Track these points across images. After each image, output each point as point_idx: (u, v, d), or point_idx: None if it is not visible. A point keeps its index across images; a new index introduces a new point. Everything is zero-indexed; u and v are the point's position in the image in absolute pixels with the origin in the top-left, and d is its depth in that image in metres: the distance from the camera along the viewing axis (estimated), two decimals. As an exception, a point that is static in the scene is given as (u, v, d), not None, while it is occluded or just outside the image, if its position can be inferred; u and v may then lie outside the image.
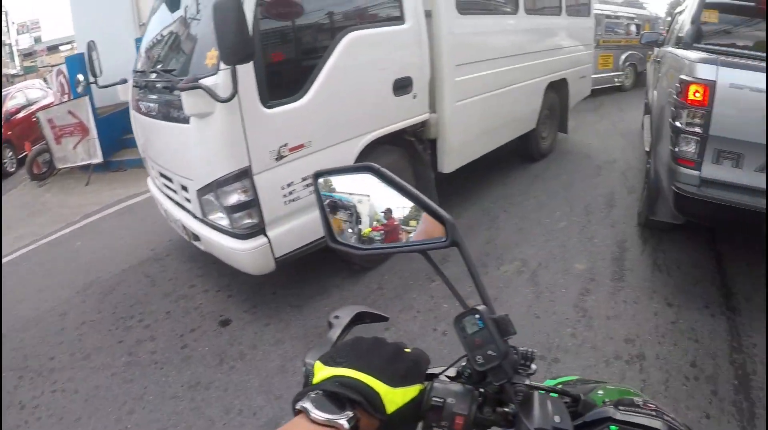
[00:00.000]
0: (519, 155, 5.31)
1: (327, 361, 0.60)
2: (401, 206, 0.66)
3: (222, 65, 2.15)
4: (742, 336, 2.75)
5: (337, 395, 0.55)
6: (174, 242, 3.82)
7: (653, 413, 0.66)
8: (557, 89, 5.20)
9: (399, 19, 3.00)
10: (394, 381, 0.58)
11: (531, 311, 2.89)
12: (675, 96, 2.84)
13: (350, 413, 0.54)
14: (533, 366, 0.66)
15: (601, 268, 3.36)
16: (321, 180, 0.72)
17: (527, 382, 0.64)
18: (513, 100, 4.21)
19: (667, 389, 2.32)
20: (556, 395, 0.67)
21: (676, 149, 2.81)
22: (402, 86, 3.03)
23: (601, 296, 3.05)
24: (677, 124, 2.79)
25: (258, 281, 3.04)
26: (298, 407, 0.55)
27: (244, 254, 2.48)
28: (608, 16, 9.35)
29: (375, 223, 0.68)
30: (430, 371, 0.66)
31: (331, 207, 0.71)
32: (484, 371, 0.60)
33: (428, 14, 3.18)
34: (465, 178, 4.32)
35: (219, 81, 2.17)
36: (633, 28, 9.98)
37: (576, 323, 2.79)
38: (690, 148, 2.76)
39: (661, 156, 3.18)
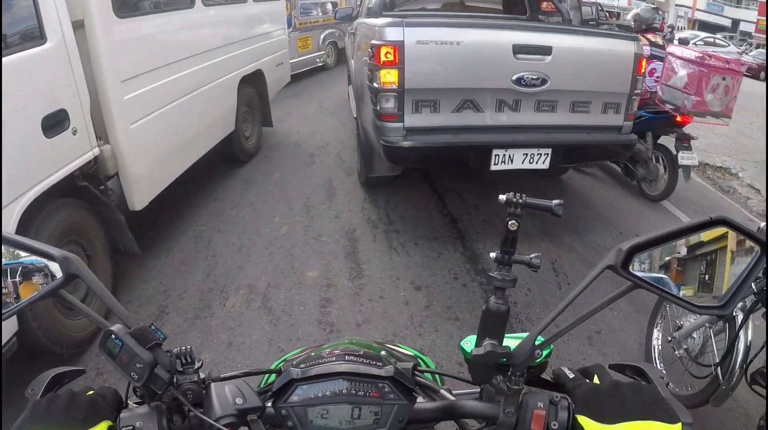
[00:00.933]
0: (225, 161, 4.79)
1: None
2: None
3: None
4: (501, 298, 2.93)
5: None
6: None
7: (334, 358, 0.70)
8: (253, 82, 4.87)
9: (38, 39, 2.23)
10: (76, 426, 0.58)
11: (273, 344, 2.54)
12: (369, 61, 3.03)
13: None
14: (197, 362, 0.65)
15: (335, 269, 3.19)
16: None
17: (194, 379, 0.64)
18: (202, 105, 3.72)
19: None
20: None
21: (378, 108, 3.03)
22: (55, 123, 2.32)
23: (344, 302, 2.87)
24: (375, 85, 2.99)
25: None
26: None
27: None
28: (302, -3, 9.37)
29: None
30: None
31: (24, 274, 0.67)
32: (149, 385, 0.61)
33: (79, 25, 2.47)
34: (169, 205, 3.65)
35: None
36: (329, 6, 10.30)
37: (325, 343, 2.58)
38: (390, 105, 3.00)
39: (367, 117, 3.38)
